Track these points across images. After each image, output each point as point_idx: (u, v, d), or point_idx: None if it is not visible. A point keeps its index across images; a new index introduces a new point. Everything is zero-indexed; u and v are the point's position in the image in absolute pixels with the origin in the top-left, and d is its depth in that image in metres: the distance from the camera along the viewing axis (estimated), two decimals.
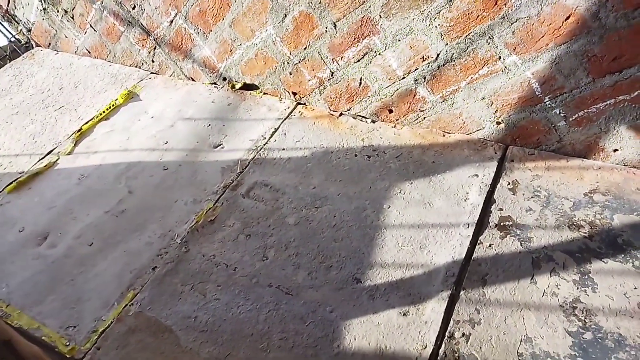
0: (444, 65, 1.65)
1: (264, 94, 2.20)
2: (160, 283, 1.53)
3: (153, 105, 2.30)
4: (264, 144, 1.93)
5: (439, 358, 1.22)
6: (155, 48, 2.45)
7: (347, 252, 1.50)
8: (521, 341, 1.21)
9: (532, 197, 1.53)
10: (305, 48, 1.90)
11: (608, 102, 1.46)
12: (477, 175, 1.63)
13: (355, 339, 1.29)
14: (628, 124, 1.47)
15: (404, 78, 1.76)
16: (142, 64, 2.63)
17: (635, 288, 1.26)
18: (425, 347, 1.24)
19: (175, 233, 1.66)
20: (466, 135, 1.80)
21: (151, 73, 2.56)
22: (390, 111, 1.91)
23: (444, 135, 1.82)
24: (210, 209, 1.72)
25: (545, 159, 1.64)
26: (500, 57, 1.53)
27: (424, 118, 1.85)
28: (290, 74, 2.03)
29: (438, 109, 1.79)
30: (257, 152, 1.90)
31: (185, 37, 2.24)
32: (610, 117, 1.48)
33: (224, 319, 1.39)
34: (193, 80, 2.47)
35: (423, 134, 1.84)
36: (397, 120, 1.92)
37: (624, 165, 1.56)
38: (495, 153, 1.70)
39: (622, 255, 1.34)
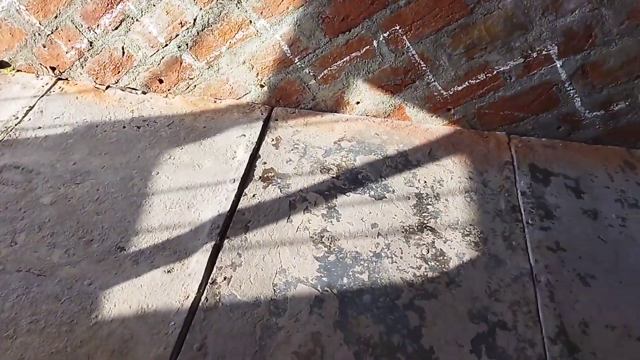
0: (202, 30, 1.67)
1: (17, 71, 1.96)
2: None
3: None
4: (16, 124, 1.72)
5: (200, 304, 1.24)
6: None
7: (111, 223, 1.43)
8: (277, 273, 1.31)
9: (292, 150, 1.66)
10: (56, 16, 1.74)
11: (345, 59, 1.65)
12: (244, 135, 1.70)
13: (115, 306, 1.24)
14: (363, 77, 1.69)
15: (166, 45, 1.74)
16: None
17: (370, 213, 1.46)
18: (188, 296, 1.25)
19: None
20: (236, 100, 1.86)
21: None
22: (161, 81, 1.87)
23: (215, 102, 1.85)
24: None
25: (304, 116, 1.79)
26: (251, 21, 1.61)
27: (195, 86, 1.85)
28: (45, 47, 1.85)
29: (206, 75, 1.81)
30: (7, 134, 1.69)
31: None
32: (349, 72, 1.68)
33: None
34: None
35: (195, 102, 1.85)
36: (168, 90, 1.89)
37: (366, 115, 1.79)
38: (262, 114, 1.79)
39: (362, 188, 1.53)
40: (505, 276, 1.32)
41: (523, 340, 1.18)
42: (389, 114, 1.77)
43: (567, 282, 1.30)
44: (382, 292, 1.27)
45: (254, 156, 1.64)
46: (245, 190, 1.53)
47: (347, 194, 1.52)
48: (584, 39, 1.43)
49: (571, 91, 1.55)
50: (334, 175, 1.57)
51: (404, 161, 1.63)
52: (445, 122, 1.74)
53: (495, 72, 1.56)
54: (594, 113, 1.59)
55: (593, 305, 1.25)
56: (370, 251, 1.36)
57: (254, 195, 1.51)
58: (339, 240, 1.39)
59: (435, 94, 1.66)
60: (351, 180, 1.56)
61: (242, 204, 1.49)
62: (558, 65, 1.50)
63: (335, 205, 1.48)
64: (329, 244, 1.38)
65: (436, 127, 1.76)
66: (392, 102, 1.73)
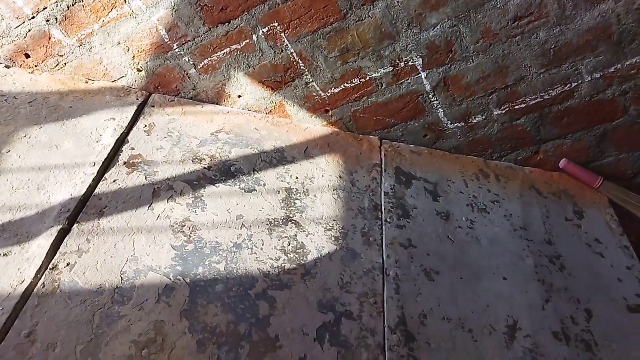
0: (73, 5, 1.58)
1: None
2: None
3: None
4: None
5: (36, 290, 1.15)
6: None
7: None
8: (127, 261, 1.25)
9: (165, 137, 1.61)
10: None
11: (225, 50, 1.63)
12: (114, 119, 1.62)
13: None
14: (244, 71, 1.68)
15: (33, 17, 1.62)
16: None
17: (238, 204, 1.45)
18: (23, 281, 1.15)
19: None
20: (111, 83, 1.77)
21: None
22: (27, 55, 1.73)
23: (87, 82, 1.75)
24: None
25: (183, 105, 1.75)
26: (125, 1, 1.55)
27: (65, 64, 1.74)
28: None
29: (77, 54, 1.70)
30: None
31: None
32: (229, 65, 1.67)
33: None
34: None
35: (64, 81, 1.73)
36: (35, 65, 1.75)
37: (248, 110, 1.79)
38: (137, 99, 1.72)
39: (232, 180, 1.52)
40: (358, 269, 1.37)
41: (365, 329, 1.24)
42: (270, 110, 1.78)
43: (413, 276, 1.38)
44: (236, 282, 1.27)
45: (122, 141, 1.57)
46: (105, 175, 1.45)
47: (217, 185, 1.50)
48: (445, 53, 1.55)
49: (435, 102, 1.67)
50: (206, 166, 1.55)
51: (280, 157, 1.65)
52: (323, 122, 1.79)
53: (367, 78, 1.64)
54: (455, 124, 1.72)
55: (434, 298, 1.35)
56: (231, 242, 1.36)
57: (114, 181, 1.44)
58: (200, 230, 1.37)
59: (314, 94, 1.71)
60: (223, 172, 1.55)
61: (100, 189, 1.41)
62: (423, 77, 1.61)
63: (202, 196, 1.46)
64: (189, 234, 1.35)
65: (315, 127, 1.80)
66: (273, 98, 1.74)
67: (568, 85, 1.56)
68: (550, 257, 1.51)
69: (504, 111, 1.65)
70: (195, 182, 1.49)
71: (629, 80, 1.53)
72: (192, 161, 1.55)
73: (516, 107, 1.63)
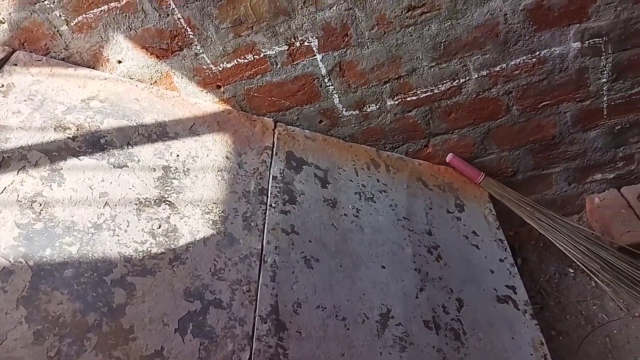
0: None
1: None
2: None
3: None
4: None
5: None
6: None
7: None
8: None
9: (25, 101, 1.41)
10: None
11: (102, 8, 1.46)
12: None
13: None
14: (124, 33, 1.52)
15: None
16: None
17: (103, 180, 1.31)
18: None
19: None
20: None
21: None
22: None
23: None
24: None
25: (53, 66, 1.55)
26: None
27: None
28: None
29: None
30: None
31: None
32: (108, 25, 1.50)
33: None
34: None
35: None
36: None
37: (130, 78, 1.63)
38: None
39: (101, 154, 1.37)
40: (234, 255, 1.30)
41: (234, 319, 1.17)
42: (156, 81, 1.64)
43: (292, 263, 1.33)
44: (90, 267, 1.13)
45: None
46: None
47: (81, 157, 1.34)
48: (341, 37, 1.50)
49: (330, 87, 1.63)
50: (71, 136, 1.38)
51: (161, 132, 1.52)
52: (215, 99, 1.68)
53: (262, 55, 1.55)
54: (350, 112, 1.70)
55: (310, 286, 1.31)
56: (89, 222, 1.21)
57: None
58: (54, 207, 1.21)
59: (205, 67, 1.59)
60: (90, 143, 1.39)
61: None
62: (319, 59, 1.56)
63: (62, 169, 1.29)
64: (39, 211, 1.18)
65: (205, 103, 1.68)
66: (158, 67, 1.60)
67: (456, 81, 1.59)
68: (428, 247, 1.54)
69: (396, 102, 1.65)
70: (55, 153, 1.32)
71: (513, 80, 1.59)
72: (55, 129, 1.38)
73: (408, 99, 1.64)
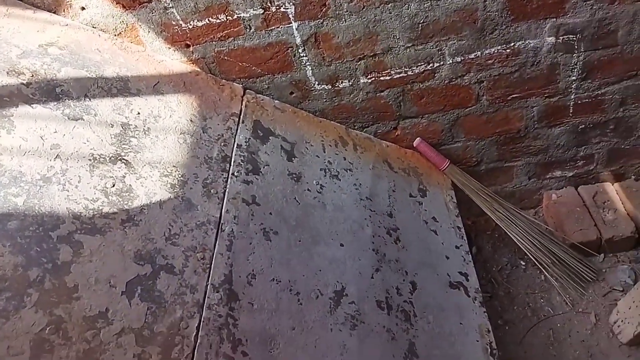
0: None
1: None
2: None
3: None
4: None
5: None
6: None
7: None
8: None
9: None
10: None
11: None
12: None
13: None
14: None
15: None
16: None
17: (56, 132, 1.24)
18: None
19: None
20: None
21: None
22: None
23: None
24: None
25: (9, 6, 1.44)
26: None
27: None
28: None
29: None
30: None
31: None
32: None
33: None
34: None
35: None
36: None
37: (93, 27, 1.53)
38: None
39: (55, 103, 1.29)
40: (191, 221, 1.26)
41: (186, 285, 1.14)
42: (120, 33, 1.55)
43: (250, 234, 1.31)
44: (36, 221, 1.07)
45: None
46: None
47: (33, 105, 1.26)
48: (318, 6, 1.46)
49: (304, 58, 1.58)
50: (24, 82, 1.29)
51: (122, 87, 1.44)
52: (183, 59, 1.61)
53: (235, 17, 1.49)
54: (322, 86, 1.66)
55: (267, 258, 1.29)
56: (38, 174, 1.15)
57: None
58: (1, 155, 1.13)
59: (174, 23, 1.51)
60: (45, 92, 1.30)
61: None
62: (294, 27, 1.51)
63: (12, 115, 1.21)
64: None
65: (172, 61, 1.61)
66: (124, 18, 1.51)
67: (431, 65, 1.58)
68: (388, 229, 1.54)
69: (370, 80, 1.63)
70: (6, 98, 1.23)
71: (486, 69, 1.59)
72: (8, 73, 1.28)
73: (382, 78, 1.62)
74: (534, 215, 2.08)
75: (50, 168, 1.17)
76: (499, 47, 1.52)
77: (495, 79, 1.61)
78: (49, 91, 1.31)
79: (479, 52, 1.54)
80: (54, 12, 1.50)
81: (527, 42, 1.51)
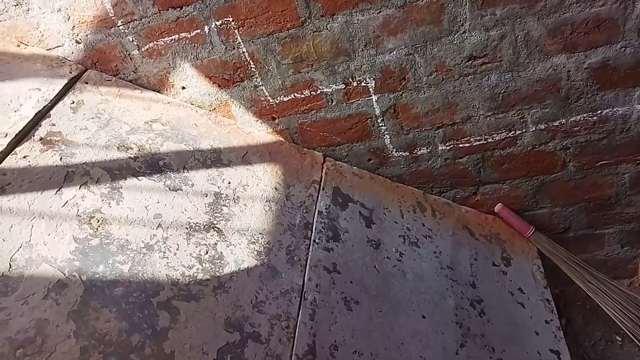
0: None
1: None
2: None
3: None
4: None
5: None
6: None
7: None
8: (20, 247, 1.12)
9: (92, 118, 1.48)
10: None
11: (173, 37, 1.54)
12: (39, 90, 1.48)
13: None
14: (191, 62, 1.59)
15: None
16: None
17: (159, 202, 1.35)
18: None
19: None
20: (45, 51, 1.63)
21: None
22: None
23: (18, 46, 1.60)
24: None
25: (121, 87, 1.63)
26: None
27: None
28: None
29: (12, 13, 1.56)
30: None
31: None
32: (176, 53, 1.57)
33: None
34: None
35: None
36: None
37: (191, 103, 1.69)
38: (71, 72, 1.58)
39: (158, 175, 1.42)
40: (275, 289, 1.30)
41: (271, 355, 1.17)
42: (215, 108, 1.70)
43: (332, 303, 1.32)
44: (139, 287, 1.16)
45: (43, 115, 1.43)
46: (16, 149, 1.32)
47: (140, 178, 1.39)
48: (398, 80, 1.52)
49: (383, 127, 1.64)
50: (132, 156, 1.44)
51: (215, 158, 1.56)
52: (269, 130, 1.72)
53: (319, 92, 1.59)
54: (400, 153, 1.70)
55: (349, 329, 1.29)
56: (142, 242, 1.25)
57: (25, 157, 1.31)
58: (110, 224, 1.25)
59: (262, 99, 1.64)
60: (150, 164, 1.44)
61: (6, 164, 1.27)
62: (374, 100, 1.57)
63: (121, 187, 1.35)
64: (96, 227, 1.23)
65: (259, 132, 1.73)
66: (219, 96, 1.66)
67: (512, 132, 1.56)
68: (472, 300, 1.50)
69: (448, 147, 1.64)
70: (116, 171, 1.38)
71: (572, 136, 1.55)
72: (118, 148, 1.44)
73: (460, 145, 1.63)
74: (629, 286, 1.92)
75: (153, 236, 1.27)
76: (585, 115, 1.49)
77: (582, 146, 1.56)
78: (153, 164, 1.44)
79: (564, 120, 1.51)
80: (158, 91, 1.68)
81: (615, 109, 1.46)
